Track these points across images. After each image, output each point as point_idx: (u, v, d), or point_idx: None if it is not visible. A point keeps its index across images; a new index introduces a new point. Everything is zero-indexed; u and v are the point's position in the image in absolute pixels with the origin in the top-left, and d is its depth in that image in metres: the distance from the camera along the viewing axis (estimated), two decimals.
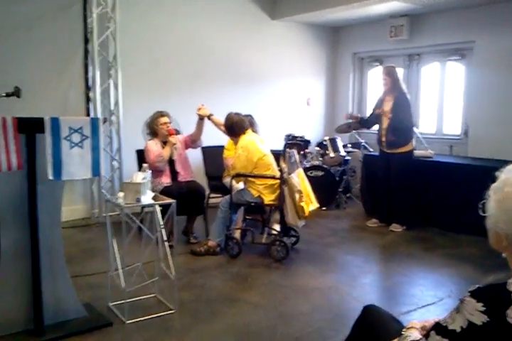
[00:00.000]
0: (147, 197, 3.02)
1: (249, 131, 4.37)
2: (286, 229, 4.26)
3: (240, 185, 4.30)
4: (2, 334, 2.59)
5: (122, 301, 2.91)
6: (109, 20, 5.11)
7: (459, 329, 1.20)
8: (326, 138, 6.23)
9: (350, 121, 5.55)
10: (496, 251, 1.29)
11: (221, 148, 4.95)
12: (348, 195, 6.36)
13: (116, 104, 5.26)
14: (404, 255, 4.32)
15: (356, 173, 6.51)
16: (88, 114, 5.16)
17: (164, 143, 4.56)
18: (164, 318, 2.96)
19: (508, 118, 5.43)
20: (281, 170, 4.09)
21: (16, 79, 3.90)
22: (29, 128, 2.50)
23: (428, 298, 3.36)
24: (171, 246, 3.14)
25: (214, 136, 4.83)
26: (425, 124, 6.44)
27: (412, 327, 1.52)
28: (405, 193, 5.08)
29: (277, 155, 4.29)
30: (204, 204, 4.66)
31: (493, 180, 1.28)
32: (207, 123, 4.63)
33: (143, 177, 3.01)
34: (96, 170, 2.66)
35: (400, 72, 5.39)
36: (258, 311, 3.10)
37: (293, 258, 4.14)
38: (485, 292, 1.20)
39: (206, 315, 3.03)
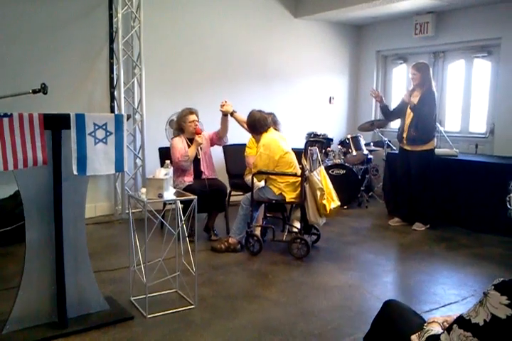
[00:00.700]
0: (169, 193, 3.04)
1: (271, 129, 4.36)
2: (308, 227, 4.25)
3: (261, 183, 4.31)
4: (27, 326, 2.65)
5: (143, 296, 2.94)
6: (134, 19, 5.20)
7: (482, 323, 1.19)
8: (349, 136, 6.19)
9: (373, 95, 5.36)
10: None
11: (243, 146, 4.97)
12: (370, 193, 6.32)
13: (140, 102, 5.32)
14: (427, 254, 4.26)
15: (379, 172, 6.46)
16: (112, 112, 5.23)
17: (190, 140, 4.54)
18: (184, 313, 2.98)
19: None
20: (302, 168, 4.08)
21: (43, 76, 3.99)
22: (55, 125, 2.55)
23: (451, 296, 3.32)
24: (191, 242, 3.16)
25: (236, 134, 4.85)
26: (450, 122, 6.34)
27: (433, 322, 1.51)
28: (427, 192, 5.01)
29: (299, 153, 4.28)
30: (225, 202, 4.68)
31: None
32: (229, 121, 4.64)
33: (165, 173, 3.04)
34: (119, 165, 2.70)
35: None
36: (278, 308, 3.10)
37: (313, 255, 4.13)
38: (509, 285, 1.18)
39: (226, 310, 3.04)
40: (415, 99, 4.92)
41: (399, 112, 5.15)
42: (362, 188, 6.09)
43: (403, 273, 3.94)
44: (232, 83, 6.09)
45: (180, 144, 4.51)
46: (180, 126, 4.58)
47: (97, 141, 2.61)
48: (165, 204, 4.34)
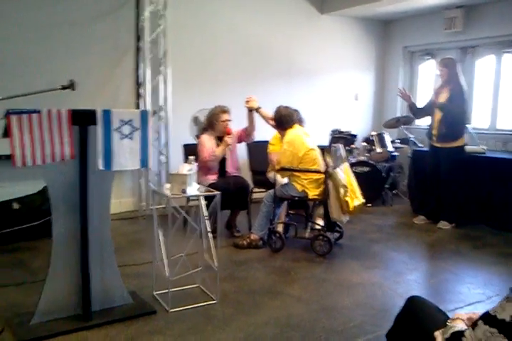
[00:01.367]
0: (193, 189, 3.06)
1: (296, 125, 4.36)
2: (330, 224, 4.23)
3: (284, 180, 4.31)
4: (52, 318, 2.71)
5: (166, 290, 2.98)
6: (160, 18, 5.24)
7: (508, 319, 1.17)
8: (374, 133, 6.13)
9: (400, 95, 5.28)
10: None
11: (266, 143, 4.95)
12: (394, 191, 6.24)
13: (165, 99, 5.36)
14: (452, 252, 4.20)
15: (404, 170, 6.38)
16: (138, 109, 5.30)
17: (219, 138, 4.53)
18: (206, 308, 3.01)
19: None
20: (326, 165, 4.06)
21: (71, 72, 4.05)
22: (82, 120, 2.58)
23: (476, 295, 3.27)
24: (214, 238, 3.18)
25: (259, 131, 4.85)
26: (478, 119, 6.21)
27: (457, 318, 1.49)
28: (455, 190, 4.93)
29: (323, 149, 4.26)
30: (248, 200, 4.69)
31: None
32: (255, 117, 4.63)
33: (189, 168, 3.06)
34: (144, 161, 2.73)
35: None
36: (300, 304, 3.10)
37: (336, 253, 4.11)
38: None
39: (248, 306, 3.06)
40: (443, 97, 4.84)
41: (428, 110, 5.07)
42: (386, 186, 6.02)
43: (427, 271, 3.89)
44: (258, 80, 6.09)
45: (209, 143, 4.50)
46: (211, 124, 4.56)
47: (122, 136, 2.64)
48: (188, 200, 4.38)
